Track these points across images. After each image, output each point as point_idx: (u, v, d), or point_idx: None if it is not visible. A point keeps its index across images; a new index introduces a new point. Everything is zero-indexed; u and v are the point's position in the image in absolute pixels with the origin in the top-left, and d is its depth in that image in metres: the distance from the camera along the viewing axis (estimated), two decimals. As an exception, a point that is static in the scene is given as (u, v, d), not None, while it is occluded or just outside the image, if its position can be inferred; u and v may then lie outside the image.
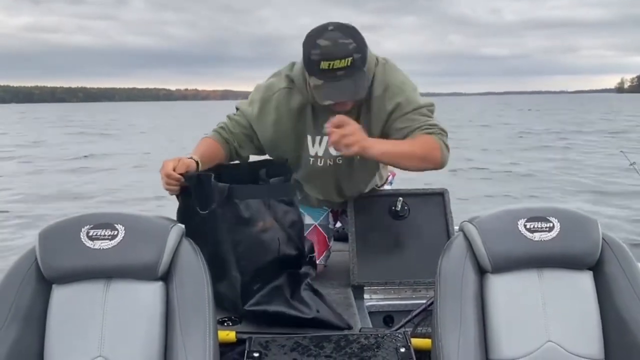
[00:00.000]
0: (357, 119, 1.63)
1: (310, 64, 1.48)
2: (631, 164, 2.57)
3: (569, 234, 1.25)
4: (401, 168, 1.70)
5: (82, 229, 1.21)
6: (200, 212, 1.49)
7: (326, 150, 1.74)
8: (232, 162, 1.78)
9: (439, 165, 1.63)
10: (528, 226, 1.26)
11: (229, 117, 1.78)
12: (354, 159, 1.75)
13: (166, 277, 1.22)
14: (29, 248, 1.22)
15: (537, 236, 1.25)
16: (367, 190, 1.95)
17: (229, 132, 1.74)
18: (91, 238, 1.20)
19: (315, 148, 1.74)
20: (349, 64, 1.44)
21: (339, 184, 1.86)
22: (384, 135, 1.67)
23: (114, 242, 1.20)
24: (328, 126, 1.50)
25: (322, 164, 1.77)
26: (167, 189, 1.53)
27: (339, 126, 1.48)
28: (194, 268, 1.23)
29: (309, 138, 1.73)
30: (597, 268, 1.26)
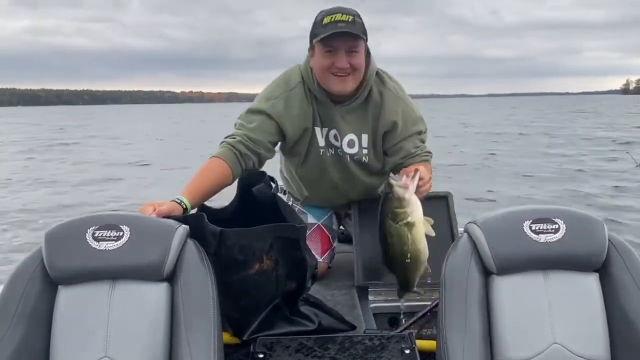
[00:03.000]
0: (364, 116, 1.77)
1: (316, 26, 1.66)
2: (637, 165, 2.56)
3: (574, 236, 1.24)
4: None
5: (88, 230, 1.21)
6: None
7: (327, 140, 1.84)
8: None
9: None
10: (533, 227, 1.25)
11: (243, 126, 1.73)
12: (355, 158, 1.84)
13: (171, 278, 1.22)
14: (35, 249, 1.23)
15: (542, 238, 1.24)
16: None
17: (251, 142, 1.69)
18: (97, 239, 1.20)
19: (322, 140, 1.84)
20: (349, 20, 1.62)
21: (345, 181, 1.92)
22: (377, 140, 1.81)
23: (119, 243, 1.20)
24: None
25: (328, 155, 1.86)
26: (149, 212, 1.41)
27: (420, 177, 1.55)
28: (198, 269, 1.23)
29: (318, 130, 1.82)
30: (603, 270, 1.25)
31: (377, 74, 1.78)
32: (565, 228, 1.25)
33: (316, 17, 1.68)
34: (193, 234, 1.30)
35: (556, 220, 1.26)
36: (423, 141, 1.83)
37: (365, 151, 1.83)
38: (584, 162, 11.96)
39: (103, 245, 1.20)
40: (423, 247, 1.55)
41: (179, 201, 1.48)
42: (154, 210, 1.38)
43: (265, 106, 1.74)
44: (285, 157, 1.98)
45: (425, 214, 1.91)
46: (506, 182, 9.61)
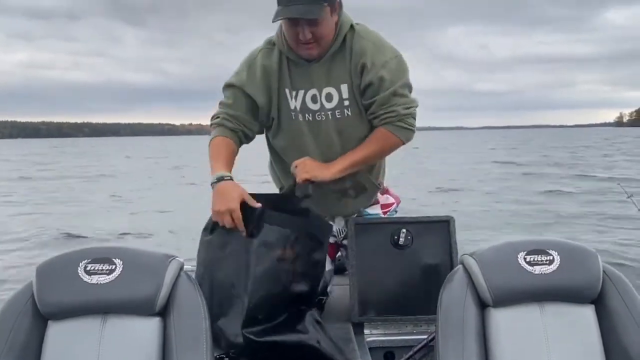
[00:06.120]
0: (341, 65, 1.73)
1: None
2: (628, 197, 2.59)
3: (569, 267, 1.24)
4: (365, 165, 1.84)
5: (80, 264, 1.20)
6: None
7: (303, 104, 1.78)
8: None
9: (400, 146, 1.80)
10: (528, 259, 1.25)
11: (221, 103, 1.83)
12: (337, 116, 1.78)
13: (164, 312, 1.21)
14: (25, 283, 1.22)
15: (537, 269, 1.24)
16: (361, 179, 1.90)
17: (232, 118, 1.79)
18: (89, 272, 1.19)
19: (293, 102, 1.79)
20: None
21: (323, 155, 1.81)
22: (356, 90, 1.74)
23: (111, 277, 1.19)
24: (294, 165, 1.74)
25: (302, 119, 1.80)
26: (230, 225, 1.56)
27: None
28: (191, 303, 1.22)
29: (287, 92, 1.79)
30: (599, 302, 1.25)
31: (352, 26, 1.75)
32: (559, 259, 1.25)
33: None
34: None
35: (550, 251, 1.26)
36: (397, 93, 1.70)
37: (346, 102, 1.75)
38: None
39: (95, 279, 1.19)
40: None
41: (228, 177, 1.62)
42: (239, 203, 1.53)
43: (234, 80, 1.81)
44: (267, 139, 1.95)
45: (424, 239, 1.84)
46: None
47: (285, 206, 1.68)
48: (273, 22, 1.66)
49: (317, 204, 1.82)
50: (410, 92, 1.77)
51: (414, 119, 1.76)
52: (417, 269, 1.81)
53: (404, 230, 1.83)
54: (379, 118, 1.74)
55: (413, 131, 1.77)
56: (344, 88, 1.74)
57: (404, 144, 1.79)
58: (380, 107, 1.72)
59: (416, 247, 1.83)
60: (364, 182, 1.91)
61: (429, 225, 1.86)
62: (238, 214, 1.53)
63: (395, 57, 1.74)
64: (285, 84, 1.78)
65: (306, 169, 1.72)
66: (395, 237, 1.83)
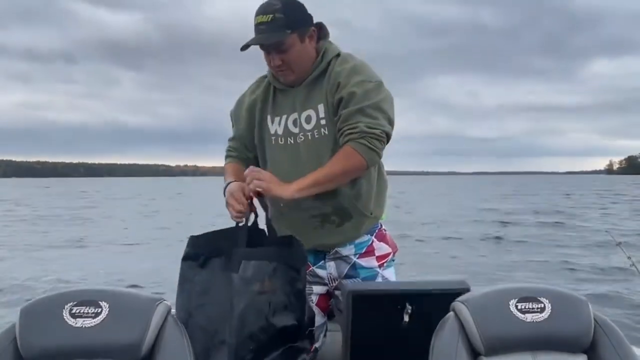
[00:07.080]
0: (309, 93, 1.76)
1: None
2: (618, 244, 2.58)
3: (560, 315, 1.23)
4: (328, 189, 1.71)
5: (66, 306, 1.18)
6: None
7: (285, 128, 1.79)
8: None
9: (364, 168, 1.67)
10: (519, 307, 1.24)
11: (228, 141, 1.97)
12: (315, 136, 1.75)
13: (149, 357, 1.18)
14: (8, 325, 1.19)
15: (529, 317, 1.23)
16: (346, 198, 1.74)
17: (235, 150, 1.93)
18: (74, 316, 1.17)
19: (275, 126, 1.81)
20: (269, 19, 1.66)
21: (305, 171, 1.71)
22: (331, 108, 1.72)
23: (97, 320, 1.17)
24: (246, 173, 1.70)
25: (283, 142, 1.79)
26: (237, 216, 1.62)
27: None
28: (177, 348, 1.19)
29: (269, 118, 1.83)
30: (591, 351, 1.23)
31: (338, 54, 1.76)
32: (550, 307, 1.24)
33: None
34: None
35: (541, 299, 1.25)
36: (363, 112, 1.63)
37: (323, 122, 1.72)
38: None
39: (80, 322, 1.16)
40: None
41: (231, 181, 1.70)
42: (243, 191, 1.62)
43: (231, 120, 1.96)
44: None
45: (432, 312, 1.46)
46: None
47: (265, 239, 1.65)
48: (242, 50, 1.72)
49: (295, 233, 1.68)
50: (389, 123, 1.68)
51: (380, 142, 1.64)
52: (420, 342, 1.48)
53: (409, 308, 1.58)
54: (343, 135, 1.66)
55: (377, 153, 1.65)
56: (321, 108, 1.73)
57: (367, 166, 1.66)
58: (344, 123, 1.65)
59: (422, 321, 1.54)
60: (349, 208, 1.75)
61: (440, 297, 1.54)
62: (239, 195, 1.62)
63: (375, 81, 1.70)
64: (267, 112, 1.83)
65: (262, 176, 1.63)
66: (399, 307, 1.60)
